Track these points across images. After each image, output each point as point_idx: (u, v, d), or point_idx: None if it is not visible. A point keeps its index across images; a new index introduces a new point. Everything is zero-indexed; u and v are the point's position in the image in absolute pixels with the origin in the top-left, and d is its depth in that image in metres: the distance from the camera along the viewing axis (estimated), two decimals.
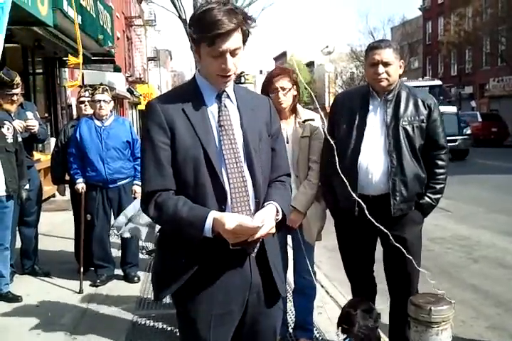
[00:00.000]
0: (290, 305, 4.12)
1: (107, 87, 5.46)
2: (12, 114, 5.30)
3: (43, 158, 9.26)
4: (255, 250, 2.10)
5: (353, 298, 3.57)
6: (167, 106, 2.08)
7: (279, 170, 2.27)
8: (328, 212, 3.69)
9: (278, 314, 2.32)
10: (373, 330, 3.12)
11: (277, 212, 2.09)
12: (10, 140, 4.81)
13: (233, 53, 2.02)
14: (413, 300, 2.93)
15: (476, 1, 34.45)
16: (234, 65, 2.04)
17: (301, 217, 3.56)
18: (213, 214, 1.96)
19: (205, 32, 1.98)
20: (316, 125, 3.67)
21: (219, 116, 2.11)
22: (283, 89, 3.53)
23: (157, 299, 2.22)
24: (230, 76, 2.07)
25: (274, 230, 2.02)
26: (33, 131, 5.36)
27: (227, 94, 2.15)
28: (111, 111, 5.39)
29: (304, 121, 3.64)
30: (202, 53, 2.05)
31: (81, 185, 5.29)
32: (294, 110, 3.66)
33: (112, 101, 5.42)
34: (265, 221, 1.97)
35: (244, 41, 2.06)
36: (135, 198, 5.39)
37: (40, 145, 11.22)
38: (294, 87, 3.60)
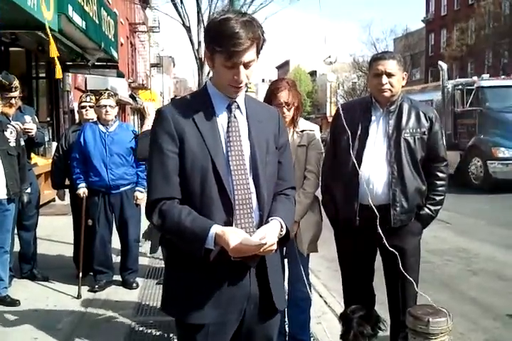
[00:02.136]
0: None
1: (112, 93, 5.49)
2: (10, 118, 5.30)
3: (43, 163, 9.29)
4: (255, 263, 2.11)
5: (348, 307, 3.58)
6: (177, 114, 2.08)
7: (285, 183, 2.27)
8: (327, 221, 3.69)
9: (275, 324, 2.31)
10: (369, 338, 3.11)
11: (281, 227, 2.09)
12: (12, 143, 4.83)
13: (247, 65, 2.03)
14: (411, 311, 2.93)
15: (478, 14, 34.64)
16: (246, 76, 2.05)
17: (295, 226, 3.56)
18: (216, 228, 1.96)
19: (221, 44, 1.98)
20: (313, 135, 3.69)
21: (228, 127, 2.11)
22: (287, 104, 3.53)
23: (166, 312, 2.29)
24: (241, 87, 2.08)
25: (275, 246, 2.00)
26: (30, 134, 5.37)
27: (238, 105, 2.15)
28: (115, 117, 5.40)
29: (302, 131, 3.66)
30: (216, 62, 2.05)
31: (83, 190, 5.29)
32: (293, 121, 3.67)
33: (117, 107, 5.45)
34: (267, 237, 1.96)
35: (257, 54, 2.07)
36: (137, 204, 5.41)
37: (42, 149, 11.25)
38: (297, 99, 3.62)
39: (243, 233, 1.98)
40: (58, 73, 7.21)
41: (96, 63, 13.57)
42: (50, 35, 7.04)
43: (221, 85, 2.11)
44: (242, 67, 2.02)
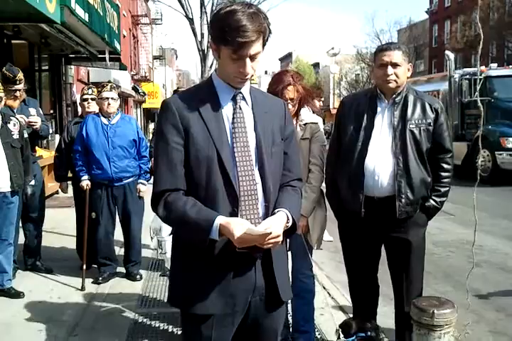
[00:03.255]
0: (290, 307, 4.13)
1: (115, 85, 5.46)
2: (15, 110, 5.33)
3: (46, 155, 9.28)
4: (261, 255, 2.10)
5: (353, 305, 3.61)
6: (182, 106, 2.07)
7: (291, 174, 2.26)
8: (330, 213, 3.69)
9: (280, 316, 2.31)
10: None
11: (288, 219, 2.08)
12: (16, 136, 4.82)
13: (253, 58, 2.02)
14: (416, 302, 2.93)
15: (481, 6, 34.47)
16: (252, 68, 2.04)
17: (305, 221, 3.55)
18: (220, 219, 1.95)
19: (227, 37, 1.96)
20: (316, 127, 3.66)
21: (233, 118, 2.10)
22: (292, 100, 3.49)
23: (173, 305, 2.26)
24: (247, 78, 2.07)
25: (281, 238, 1.99)
26: (35, 127, 5.38)
27: (243, 96, 2.14)
28: (117, 109, 5.39)
29: (305, 124, 3.63)
30: (221, 54, 2.04)
31: (86, 182, 5.29)
32: (296, 113, 3.64)
33: (119, 99, 5.42)
34: (272, 228, 1.95)
35: (263, 46, 2.05)
36: (140, 197, 5.42)
37: (45, 141, 11.25)
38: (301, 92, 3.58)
39: (248, 223, 1.97)
40: None
41: (99, 55, 13.51)
42: None
43: (227, 76, 2.10)
44: (248, 60, 2.01)
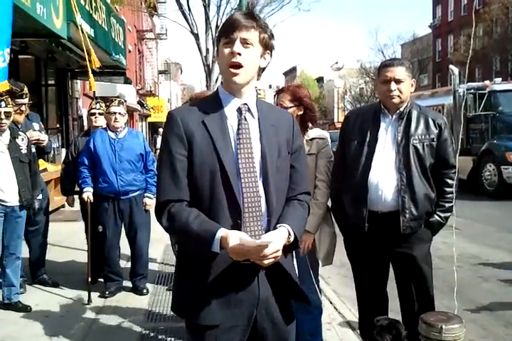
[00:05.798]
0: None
1: (123, 100, 5.52)
2: (19, 125, 5.37)
3: (53, 169, 9.32)
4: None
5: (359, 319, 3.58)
6: (187, 118, 2.10)
7: (299, 188, 2.24)
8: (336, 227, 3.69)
9: (290, 331, 2.26)
10: None
11: (289, 234, 2.07)
12: (24, 150, 4.86)
13: (245, 43, 2.05)
14: (424, 318, 2.91)
15: (484, 20, 34.62)
16: (242, 54, 2.04)
17: (311, 237, 3.55)
18: (222, 232, 1.96)
19: (222, 28, 2.10)
20: (324, 143, 3.69)
21: (238, 129, 2.10)
22: (281, 106, 3.53)
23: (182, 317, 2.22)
24: (238, 67, 2.05)
25: (280, 253, 1.97)
26: (41, 145, 5.45)
27: (248, 108, 2.14)
28: (125, 124, 5.43)
29: (311, 139, 3.66)
30: (219, 49, 2.11)
31: (87, 194, 5.29)
32: (303, 128, 3.66)
33: (127, 115, 5.48)
34: (271, 243, 1.92)
35: (262, 43, 2.09)
36: (146, 210, 5.43)
37: (51, 155, 11.31)
38: (300, 106, 3.60)
39: (246, 236, 1.96)
40: (93, 86, 7.77)
41: (105, 70, 13.62)
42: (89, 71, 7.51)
43: (223, 72, 2.13)
44: (237, 42, 2.04)
